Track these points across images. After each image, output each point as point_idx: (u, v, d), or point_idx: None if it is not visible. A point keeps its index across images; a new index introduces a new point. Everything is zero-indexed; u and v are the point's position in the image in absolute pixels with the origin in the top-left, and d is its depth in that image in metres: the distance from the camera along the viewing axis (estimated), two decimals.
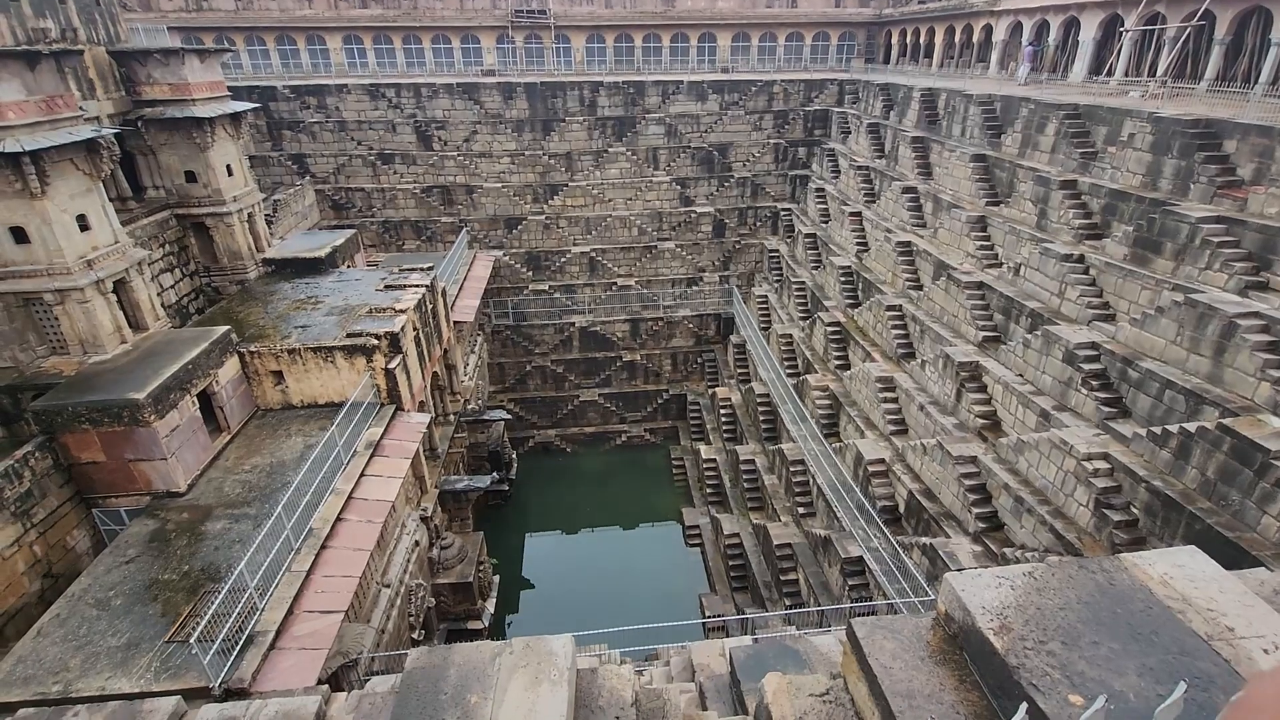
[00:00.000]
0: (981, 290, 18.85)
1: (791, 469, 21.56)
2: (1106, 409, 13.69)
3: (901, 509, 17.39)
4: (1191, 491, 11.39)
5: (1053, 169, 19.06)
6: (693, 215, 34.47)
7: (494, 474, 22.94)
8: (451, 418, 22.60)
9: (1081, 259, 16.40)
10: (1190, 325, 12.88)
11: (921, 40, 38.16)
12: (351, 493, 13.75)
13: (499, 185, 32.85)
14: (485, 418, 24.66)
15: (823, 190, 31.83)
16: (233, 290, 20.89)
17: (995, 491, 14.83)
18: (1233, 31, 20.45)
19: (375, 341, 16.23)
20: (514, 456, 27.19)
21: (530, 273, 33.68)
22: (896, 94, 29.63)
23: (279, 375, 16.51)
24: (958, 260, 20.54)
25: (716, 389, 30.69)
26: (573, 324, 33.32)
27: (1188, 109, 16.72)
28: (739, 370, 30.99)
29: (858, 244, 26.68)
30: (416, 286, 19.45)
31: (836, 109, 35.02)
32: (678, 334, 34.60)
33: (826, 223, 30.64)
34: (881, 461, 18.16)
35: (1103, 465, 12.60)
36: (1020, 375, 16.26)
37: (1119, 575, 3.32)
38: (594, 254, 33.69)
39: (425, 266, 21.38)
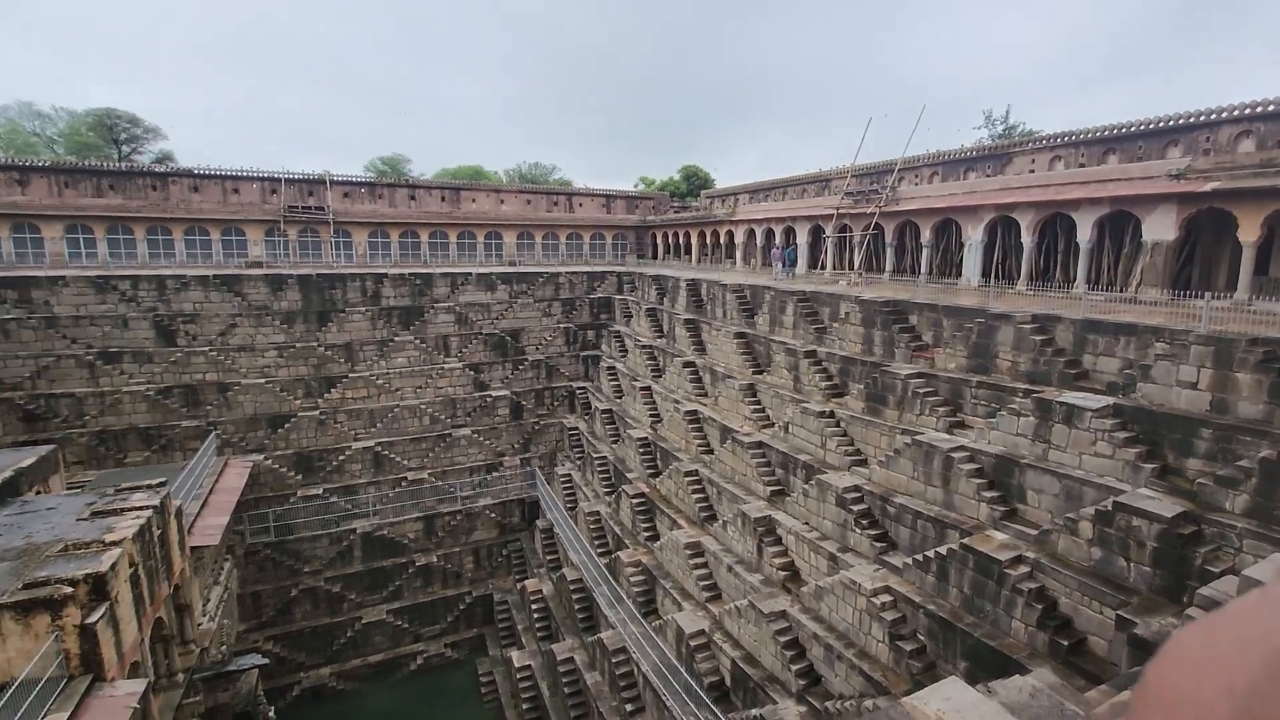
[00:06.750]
0: (762, 449, 21.22)
1: (614, 660, 20.44)
2: (878, 544, 15.64)
3: (728, 681, 17.20)
4: (957, 609, 13.11)
5: (797, 342, 23.16)
6: (489, 399, 34.71)
7: None
8: (181, 678, 17.92)
9: (832, 414, 19.55)
10: (921, 462, 15.73)
11: (681, 240, 45.88)
12: None
13: (262, 380, 30.25)
14: (231, 669, 19.98)
15: (614, 368, 34.52)
16: None
17: (807, 643, 15.52)
18: (896, 238, 27.98)
19: (68, 590, 12.77)
20: (272, 714, 21.98)
21: (300, 476, 30.25)
22: (667, 283, 34.56)
23: None
24: (738, 424, 23.12)
25: (526, 582, 28.94)
26: (354, 530, 29.90)
27: (880, 293, 21.91)
28: (549, 557, 29.83)
29: (651, 416, 28.81)
30: (139, 510, 16.18)
31: (618, 296, 39.50)
32: (479, 526, 32.75)
33: (621, 398, 32.84)
34: (702, 633, 18.13)
35: (887, 598, 14.04)
36: (807, 523, 18.04)
37: None
38: (380, 448, 31.65)
39: (155, 483, 18.07)
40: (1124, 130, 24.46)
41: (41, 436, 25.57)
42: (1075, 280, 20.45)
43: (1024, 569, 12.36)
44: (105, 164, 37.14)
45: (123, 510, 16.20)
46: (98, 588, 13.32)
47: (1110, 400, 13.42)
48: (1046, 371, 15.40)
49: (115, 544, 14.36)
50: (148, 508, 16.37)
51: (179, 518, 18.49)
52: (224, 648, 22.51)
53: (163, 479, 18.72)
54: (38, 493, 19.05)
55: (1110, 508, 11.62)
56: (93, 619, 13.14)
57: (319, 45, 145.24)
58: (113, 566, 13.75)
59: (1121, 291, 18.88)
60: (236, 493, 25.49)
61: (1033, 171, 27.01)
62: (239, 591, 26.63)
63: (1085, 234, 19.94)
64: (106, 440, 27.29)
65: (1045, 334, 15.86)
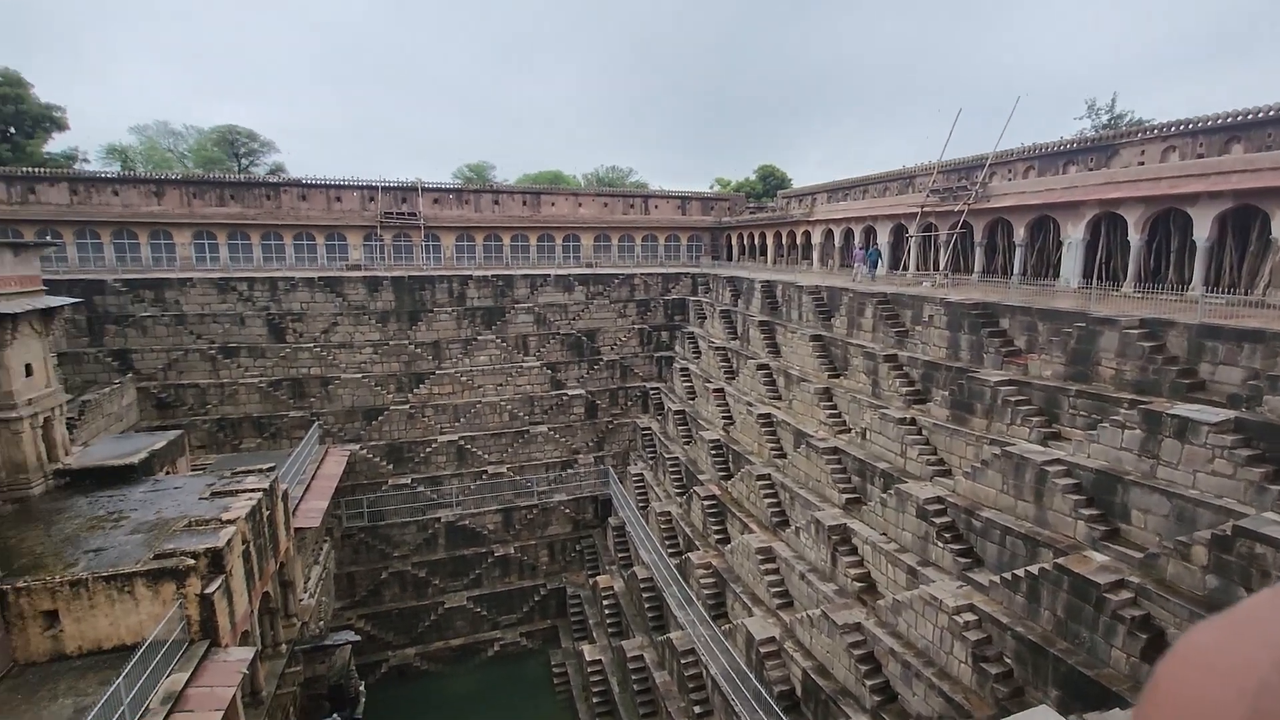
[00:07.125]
0: (837, 455, 20.55)
1: (682, 662, 20.37)
2: (962, 560, 14.81)
3: (799, 692, 16.76)
4: (1049, 633, 12.22)
5: (876, 345, 22.30)
6: (565, 398, 35.41)
7: (335, 716, 19.36)
8: (284, 648, 19.34)
9: (913, 421, 18.69)
10: (1011, 475, 14.78)
11: (756, 242, 45.19)
12: None
13: (359, 375, 32.14)
14: (327, 643, 21.34)
15: (687, 370, 34.42)
16: (7, 511, 17.63)
17: (883, 659, 14.90)
18: (986, 236, 26.43)
19: (191, 561, 14.07)
20: (362, 689, 23.33)
21: (391, 465, 31.94)
22: (741, 285, 34.11)
23: (52, 616, 13.54)
24: (813, 428, 22.50)
25: (598, 578, 29.32)
26: (438, 519, 31.27)
27: (968, 295, 20.76)
28: (620, 555, 30.11)
29: (724, 418, 28.52)
30: (251, 491, 17.60)
31: (692, 298, 39.35)
32: (554, 521, 33.47)
33: (693, 399, 32.70)
34: (772, 640, 17.77)
35: (971, 617, 13.28)
36: (884, 534, 17.33)
37: None
38: (463, 442, 32.94)
39: (265, 467, 19.60)
40: (1250, 116, 22.13)
41: (170, 422, 28.21)
42: (1191, 282, 18.67)
43: (1126, 594, 11.37)
44: (227, 176, 40.60)
45: (237, 492, 17.63)
46: (216, 561, 14.54)
47: (1231, 414, 12.14)
48: (1156, 381, 14.11)
49: (231, 522, 15.63)
50: (259, 490, 17.74)
51: (285, 500, 19.93)
52: (322, 623, 24.06)
53: (272, 464, 20.26)
54: (167, 473, 21.04)
55: (1230, 532, 10.51)
56: (211, 589, 14.36)
57: (413, 57, 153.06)
58: (229, 542, 14.97)
59: (1246, 294, 17.04)
60: (335, 479, 27.23)
61: (1142, 164, 24.85)
62: (335, 571, 28.43)
63: (1203, 231, 18.16)
64: (225, 427, 29.79)
65: (1155, 340, 14.55)
